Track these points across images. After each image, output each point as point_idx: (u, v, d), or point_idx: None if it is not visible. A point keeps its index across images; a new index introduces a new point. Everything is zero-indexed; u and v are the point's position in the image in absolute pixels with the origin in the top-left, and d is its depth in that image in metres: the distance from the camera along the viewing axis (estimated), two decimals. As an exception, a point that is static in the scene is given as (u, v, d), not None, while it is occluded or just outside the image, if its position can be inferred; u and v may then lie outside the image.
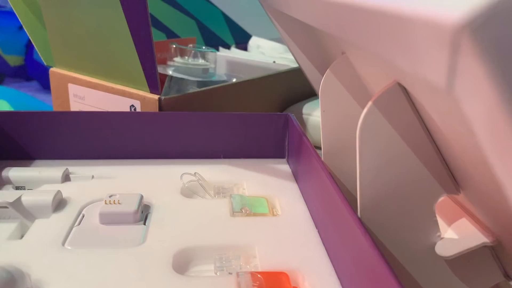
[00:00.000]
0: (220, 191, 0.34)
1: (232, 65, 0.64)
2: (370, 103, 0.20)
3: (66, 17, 0.45)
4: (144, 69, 0.40)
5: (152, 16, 0.65)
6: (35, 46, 0.50)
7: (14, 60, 1.54)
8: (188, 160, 0.39)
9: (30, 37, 0.50)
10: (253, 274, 0.23)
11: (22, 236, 0.27)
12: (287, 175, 0.37)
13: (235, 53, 0.69)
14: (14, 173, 0.34)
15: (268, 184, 0.35)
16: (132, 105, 0.41)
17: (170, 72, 0.53)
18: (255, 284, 0.23)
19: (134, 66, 0.40)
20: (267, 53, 0.71)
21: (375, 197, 0.22)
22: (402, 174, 0.21)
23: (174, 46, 0.56)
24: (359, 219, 0.21)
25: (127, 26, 0.39)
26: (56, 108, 0.51)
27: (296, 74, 0.55)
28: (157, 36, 0.66)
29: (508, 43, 0.07)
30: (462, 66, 0.08)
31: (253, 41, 0.76)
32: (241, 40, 0.77)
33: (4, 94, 1.69)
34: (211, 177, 0.35)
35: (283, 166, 0.38)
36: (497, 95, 0.08)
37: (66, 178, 0.35)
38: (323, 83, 0.27)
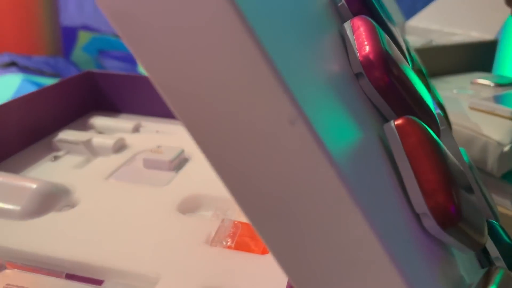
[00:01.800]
0: (254, 156, 0.37)
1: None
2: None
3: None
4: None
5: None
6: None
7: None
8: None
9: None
10: (235, 223, 0.27)
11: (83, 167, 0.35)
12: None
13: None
14: (98, 121, 0.42)
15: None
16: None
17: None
18: (232, 229, 0.26)
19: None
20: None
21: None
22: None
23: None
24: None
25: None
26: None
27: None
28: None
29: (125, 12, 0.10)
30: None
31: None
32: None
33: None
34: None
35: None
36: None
37: (136, 129, 0.42)
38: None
